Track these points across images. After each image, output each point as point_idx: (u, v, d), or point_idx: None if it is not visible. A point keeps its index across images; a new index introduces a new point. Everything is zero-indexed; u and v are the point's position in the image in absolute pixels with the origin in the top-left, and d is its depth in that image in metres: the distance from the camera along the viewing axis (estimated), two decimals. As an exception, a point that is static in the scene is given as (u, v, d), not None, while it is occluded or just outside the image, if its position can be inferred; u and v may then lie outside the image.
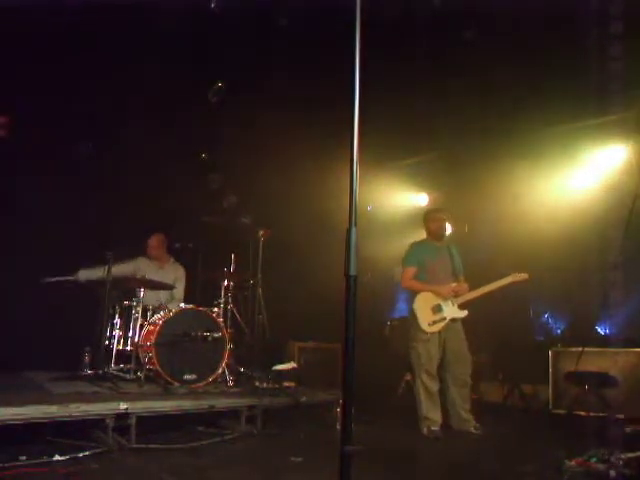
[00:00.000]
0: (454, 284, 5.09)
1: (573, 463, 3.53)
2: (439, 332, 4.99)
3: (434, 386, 4.94)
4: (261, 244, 6.06)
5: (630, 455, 3.18)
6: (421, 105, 6.13)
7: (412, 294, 5.15)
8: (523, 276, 5.01)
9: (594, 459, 3.47)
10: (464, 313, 5.06)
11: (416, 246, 5.33)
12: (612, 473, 3.23)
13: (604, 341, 6.06)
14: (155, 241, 6.19)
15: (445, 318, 5.01)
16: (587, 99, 5.29)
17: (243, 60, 5.64)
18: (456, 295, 5.06)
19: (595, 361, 5.53)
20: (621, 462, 3.23)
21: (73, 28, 4.93)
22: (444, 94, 5.96)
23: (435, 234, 5.28)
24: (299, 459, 3.69)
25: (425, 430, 4.82)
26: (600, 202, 6.10)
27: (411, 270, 5.17)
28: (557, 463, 3.57)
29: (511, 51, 5.24)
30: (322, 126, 5.73)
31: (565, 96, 5.47)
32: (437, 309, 5.02)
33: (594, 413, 5.32)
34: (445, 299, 5.04)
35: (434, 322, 4.99)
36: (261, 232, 6.07)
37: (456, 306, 5.05)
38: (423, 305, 5.05)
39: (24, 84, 5.28)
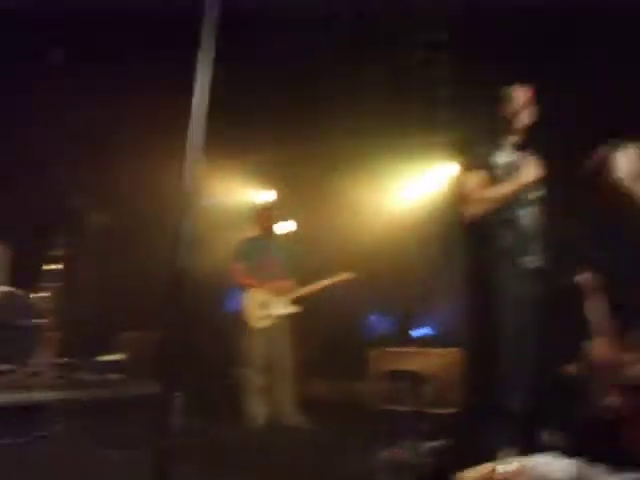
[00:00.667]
0: (283, 282, 5.18)
1: (387, 454, 3.80)
2: (267, 328, 5.06)
3: (260, 381, 5.01)
4: (94, 228, 5.76)
5: (432, 444, 3.48)
6: (279, 104, 6.16)
7: (242, 290, 5.18)
8: (349, 276, 5.24)
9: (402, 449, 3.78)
10: (292, 310, 5.17)
11: (246, 242, 5.37)
12: (414, 461, 3.53)
13: (421, 342, 6.54)
14: None
15: (272, 315, 5.08)
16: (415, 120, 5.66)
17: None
18: (285, 292, 5.15)
19: (412, 361, 5.94)
20: (424, 451, 3.54)
21: None
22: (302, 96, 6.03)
23: (264, 230, 5.34)
24: (116, 453, 3.57)
25: (251, 425, 4.88)
26: (427, 213, 6.59)
27: (240, 266, 5.19)
28: (372, 455, 3.81)
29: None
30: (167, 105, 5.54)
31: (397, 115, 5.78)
32: (265, 305, 5.09)
33: (408, 408, 5.70)
34: (273, 296, 5.12)
35: (261, 318, 5.05)
36: (95, 216, 5.77)
37: (284, 303, 5.14)
38: (251, 301, 5.10)
39: None
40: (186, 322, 1.85)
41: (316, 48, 5.27)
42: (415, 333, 6.98)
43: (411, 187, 6.98)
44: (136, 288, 6.62)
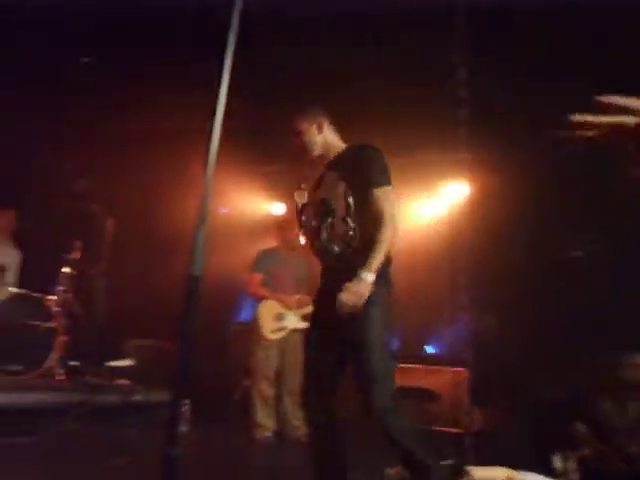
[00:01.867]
0: (298, 296, 5.19)
1: (393, 472, 3.74)
2: (279, 340, 5.07)
3: (270, 393, 5.00)
4: (109, 234, 5.80)
5: (446, 462, 3.44)
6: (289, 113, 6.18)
7: (257, 300, 5.19)
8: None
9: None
10: (305, 325, 5.15)
11: (264, 253, 5.37)
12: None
13: (431, 359, 6.49)
14: (4, 217, 5.72)
15: (286, 327, 5.09)
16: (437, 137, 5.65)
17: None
18: (300, 306, 5.16)
19: (421, 377, 5.90)
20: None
21: None
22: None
23: (288, 243, 5.34)
24: (124, 460, 3.56)
25: (257, 436, 4.87)
26: (444, 230, 6.55)
27: (257, 277, 5.21)
28: (378, 471, 3.77)
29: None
30: (184, 116, 5.58)
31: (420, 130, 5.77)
32: (280, 318, 5.10)
33: (417, 425, 5.65)
34: (289, 309, 5.13)
35: (275, 330, 5.06)
36: (109, 221, 5.82)
37: (298, 317, 5.15)
38: (266, 312, 5.10)
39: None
40: (198, 330, 1.85)
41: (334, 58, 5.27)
42: (425, 350, 6.94)
43: (425, 204, 6.94)
44: (150, 295, 6.64)
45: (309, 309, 5.12)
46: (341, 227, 2.66)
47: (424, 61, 5.05)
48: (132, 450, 3.84)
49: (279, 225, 5.49)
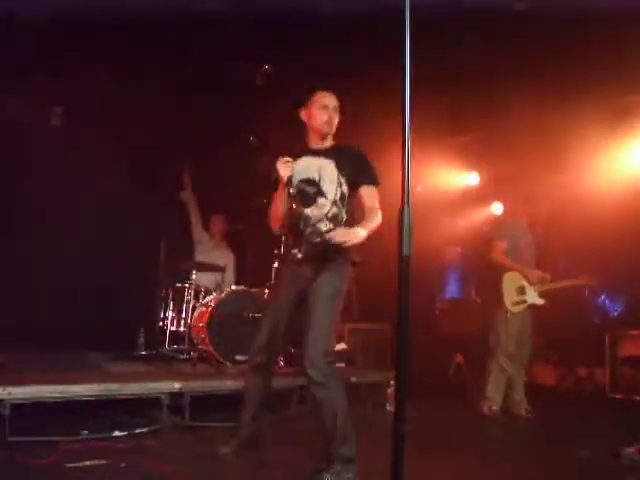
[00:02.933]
0: (540, 271, 4.98)
1: (632, 450, 3.43)
2: (518, 314, 4.89)
3: (510, 368, 4.87)
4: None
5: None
6: (469, 84, 5.95)
7: (496, 271, 5.02)
8: (591, 282, 5.19)
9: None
10: (542, 301, 4.94)
11: (508, 223, 5.23)
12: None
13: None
14: (219, 222, 6.31)
15: (526, 301, 4.90)
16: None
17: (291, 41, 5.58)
18: (541, 282, 4.94)
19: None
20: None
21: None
22: (490, 74, 5.74)
23: (530, 217, 5.14)
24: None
25: (486, 409, 4.79)
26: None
27: (502, 245, 5.02)
28: (614, 449, 3.49)
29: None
30: (374, 103, 5.62)
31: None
32: (521, 291, 4.91)
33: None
34: (530, 283, 4.93)
35: (516, 303, 4.88)
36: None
37: (537, 293, 4.93)
38: (510, 284, 4.93)
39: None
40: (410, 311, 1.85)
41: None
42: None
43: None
44: (357, 279, 6.83)
45: (548, 286, 4.92)
46: (331, 209, 2.99)
47: None
48: (356, 429, 3.99)
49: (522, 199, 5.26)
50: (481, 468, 3.29)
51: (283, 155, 3.06)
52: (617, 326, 6.09)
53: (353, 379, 5.00)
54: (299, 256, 2.98)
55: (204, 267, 5.72)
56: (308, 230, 3.02)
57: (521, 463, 3.45)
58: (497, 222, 5.27)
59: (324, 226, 2.99)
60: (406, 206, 1.85)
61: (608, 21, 4.51)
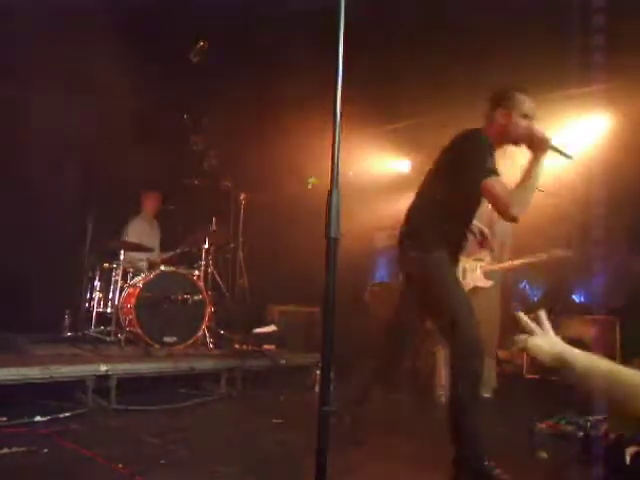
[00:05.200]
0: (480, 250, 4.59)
1: (543, 425, 3.65)
2: None
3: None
4: (242, 207, 6.05)
5: (597, 417, 3.28)
6: (403, 71, 6.02)
7: None
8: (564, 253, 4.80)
9: (563, 421, 3.61)
10: (488, 283, 4.77)
11: None
12: (579, 434, 3.35)
13: (580, 309, 6.18)
14: (154, 200, 6.15)
15: (469, 285, 4.67)
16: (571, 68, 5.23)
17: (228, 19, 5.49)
18: (481, 262, 4.74)
19: (569, 328, 5.64)
20: (588, 424, 3.35)
21: None
22: (428, 60, 5.84)
23: None
24: (279, 421, 3.75)
25: (443, 398, 4.75)
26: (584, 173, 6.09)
27: None
28: (528, 426, 3.69)
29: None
30: (306, 87, 5.62)
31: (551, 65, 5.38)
32: (462, 274, 4.65)
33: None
34: (471, 263, 4.74)
35: None
36: (242, 195, 6.06)
37: (480, 274, 4.75)
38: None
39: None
40: (339, 297, 1.89)
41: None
42: (574, 300, 6.61)
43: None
44: (288, 262, 6.85)
45: (492, 267, 4.82)
46: None
47: None
48: (285, 410, 4.04)
49: None
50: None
51: None
52: (536, 311, 6.34)
53: (282, 361, 5.05)
54: None
55: (132, 247, 5.58)
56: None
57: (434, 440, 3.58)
58: None
59: None
60: (335, 189, 1.87)
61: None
